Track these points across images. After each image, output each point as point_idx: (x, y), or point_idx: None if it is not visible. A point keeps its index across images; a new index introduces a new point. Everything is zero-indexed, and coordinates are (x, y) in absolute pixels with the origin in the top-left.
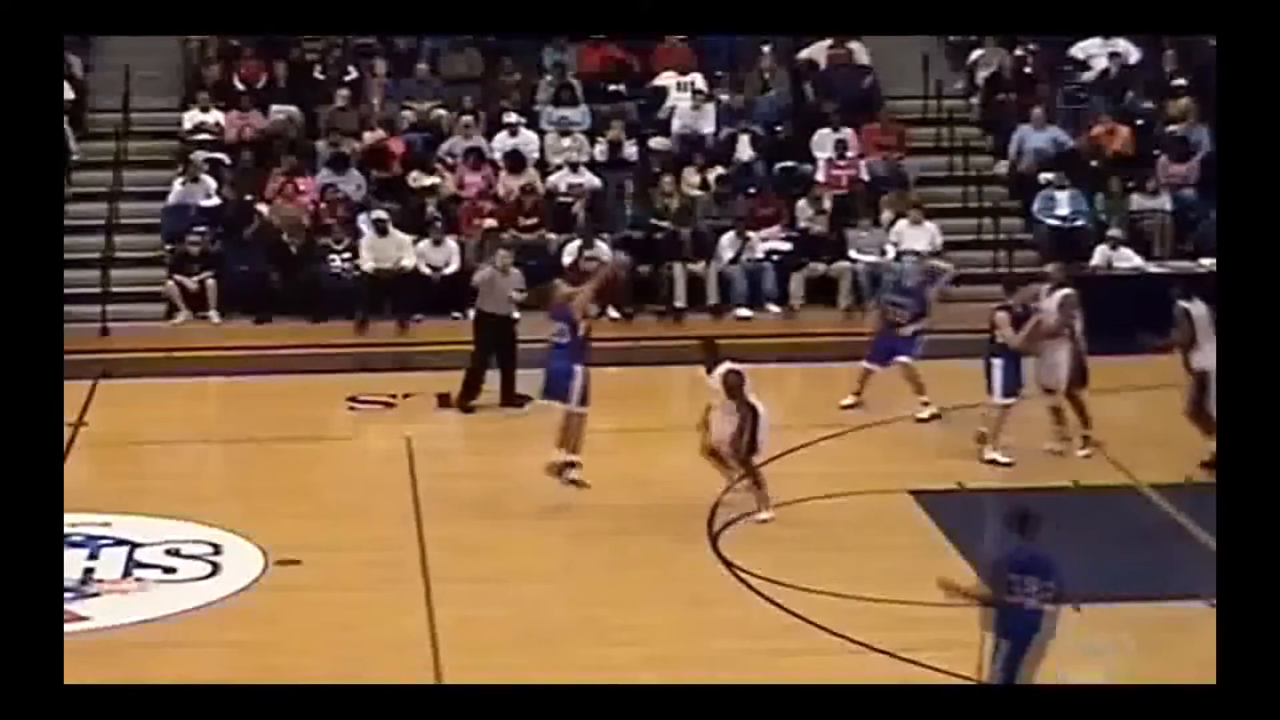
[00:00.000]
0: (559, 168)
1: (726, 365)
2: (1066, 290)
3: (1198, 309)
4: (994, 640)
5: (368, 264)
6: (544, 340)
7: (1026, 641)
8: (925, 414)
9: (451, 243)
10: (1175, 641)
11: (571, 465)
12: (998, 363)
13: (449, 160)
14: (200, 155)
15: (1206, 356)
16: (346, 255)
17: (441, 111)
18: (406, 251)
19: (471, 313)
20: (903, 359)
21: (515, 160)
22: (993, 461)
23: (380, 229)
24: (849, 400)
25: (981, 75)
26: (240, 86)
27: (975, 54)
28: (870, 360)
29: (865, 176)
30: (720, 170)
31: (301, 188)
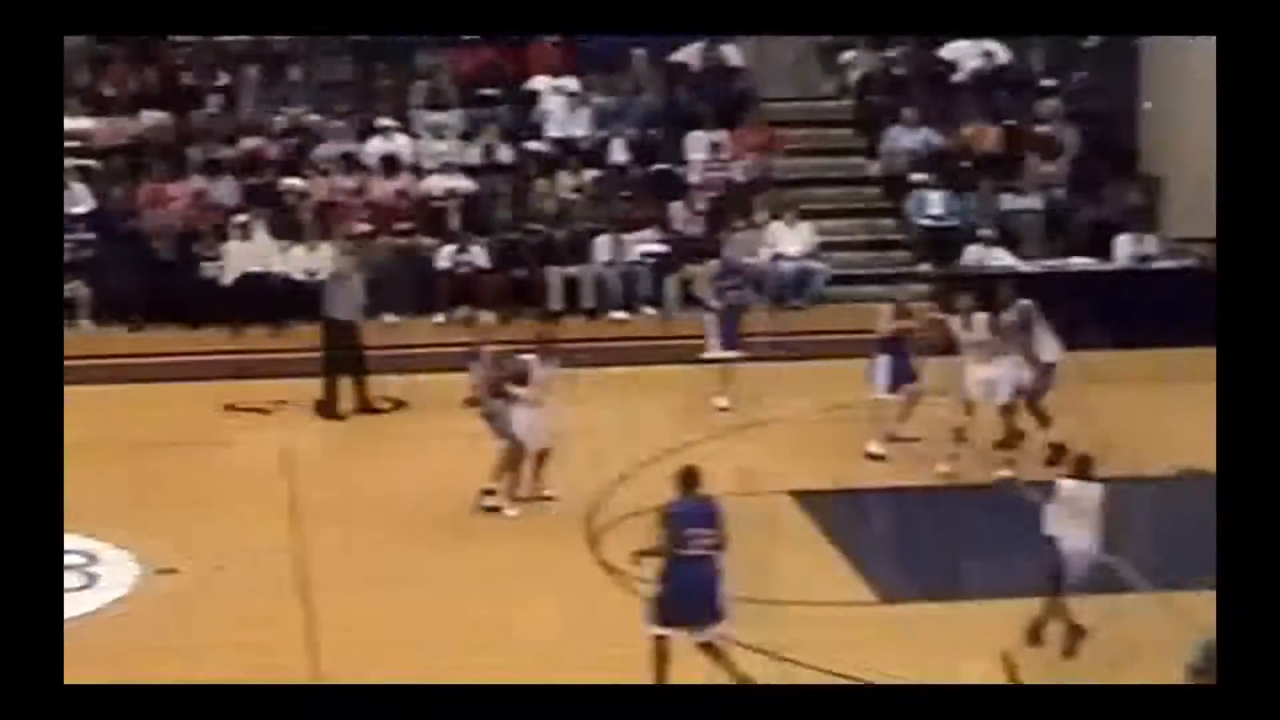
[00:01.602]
0: (433, 172)
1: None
2: (1022, 302)
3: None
4: (661, 588)
5: (241, 270)
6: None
7: (707, 584)
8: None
9: (325, 248)
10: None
11: (491, 493)
12: (882, 358)
13: (322, 165)
14: (71, 162)
15: (1052, 350)
16: (220, 262)
17: (315, 116)
18: (280, 257)
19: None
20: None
21: (390, 164)
22: (870, 455)
23: (252, 235)
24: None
25: (853, 76)
26: (110, 92)
27: (847, 55)
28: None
29: (739, 178)
30: (595, 173)
31: (174, 194)
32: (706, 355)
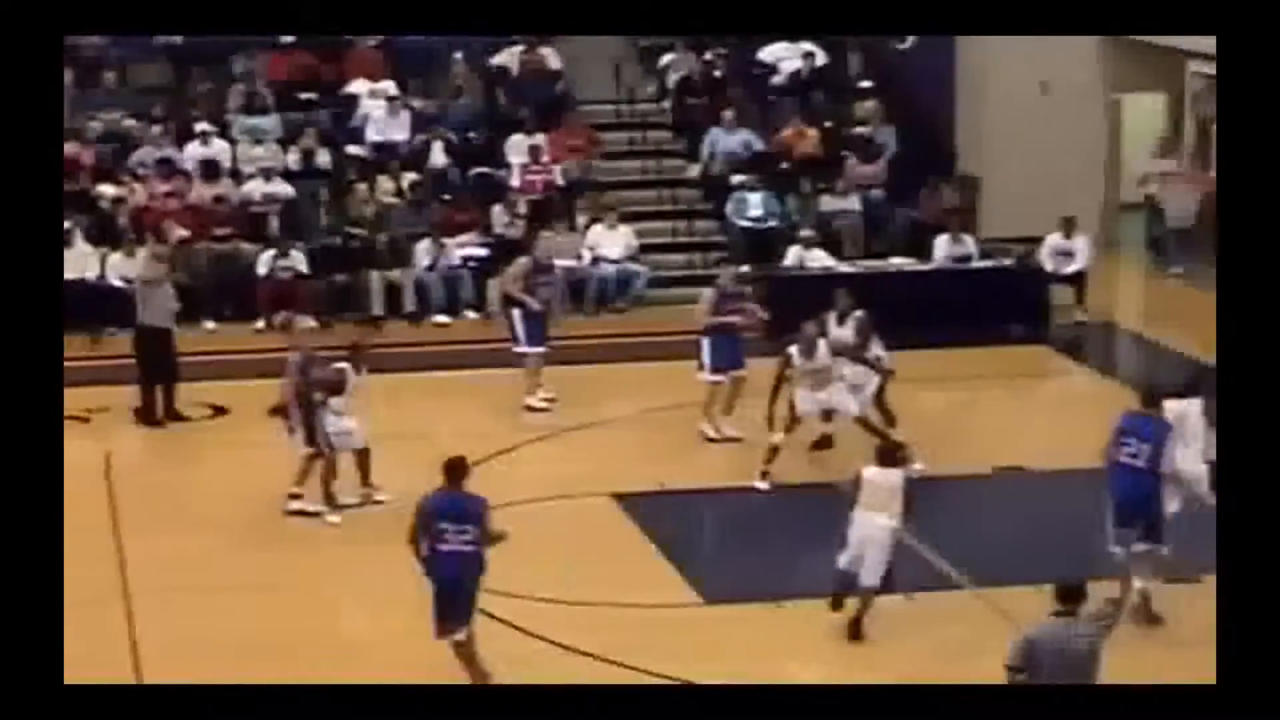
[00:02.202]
0: (252, 177)
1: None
2: (858, 313)
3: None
4: (434, 586)
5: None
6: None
7: (454, 582)
8: (538, 403)
9: (142, 254)
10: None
11: (297, 497)
12: (705, 342)
13: (139, 171)
14: None
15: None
16: None
17: (131, 122)
18: (98, 264)
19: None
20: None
21: (211, 169)
22: (706, 436)
23: (71, 242)
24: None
25: (672, 79)
26: None
27: (666, 58)
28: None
29: (559, 181)
30: (414, 177)
31: None
32: (519, 351)
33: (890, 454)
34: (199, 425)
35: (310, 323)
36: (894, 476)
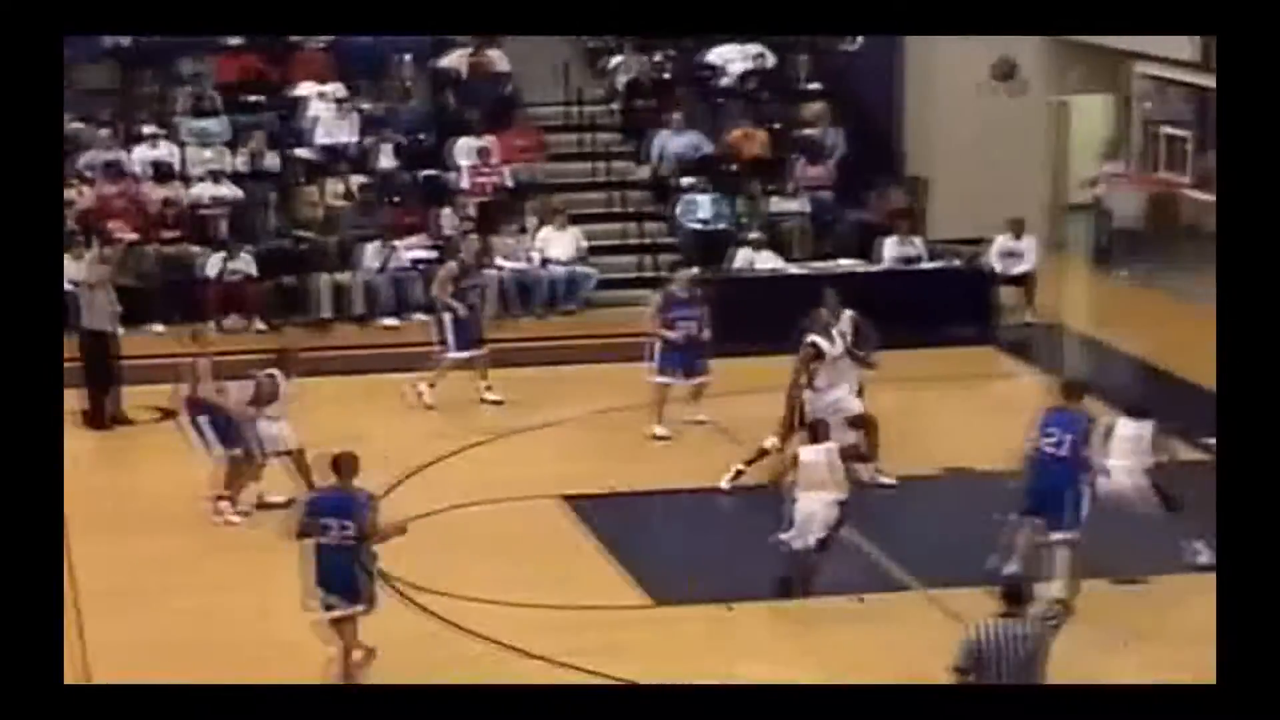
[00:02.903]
0: (200, 179)
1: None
2: (848, 312)
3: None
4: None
5: None
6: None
7: (340, 572)
8: (492, 397)
9: (88, 256)
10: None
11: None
12: (655, 344)
13: (87, 174)
14: None
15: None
16: None
17: (78, 124)
18: None
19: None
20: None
21: (162, 171)
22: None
23: None
24: None
25: (621, 81)
26: None
27: (614, 60)
28: None
29: (508, 183)
30: (362, 179)
31: None
32: (449, 356)
33: (819, 430)
34: (146, 428)
35: (260, 326)
36: (828, 453)
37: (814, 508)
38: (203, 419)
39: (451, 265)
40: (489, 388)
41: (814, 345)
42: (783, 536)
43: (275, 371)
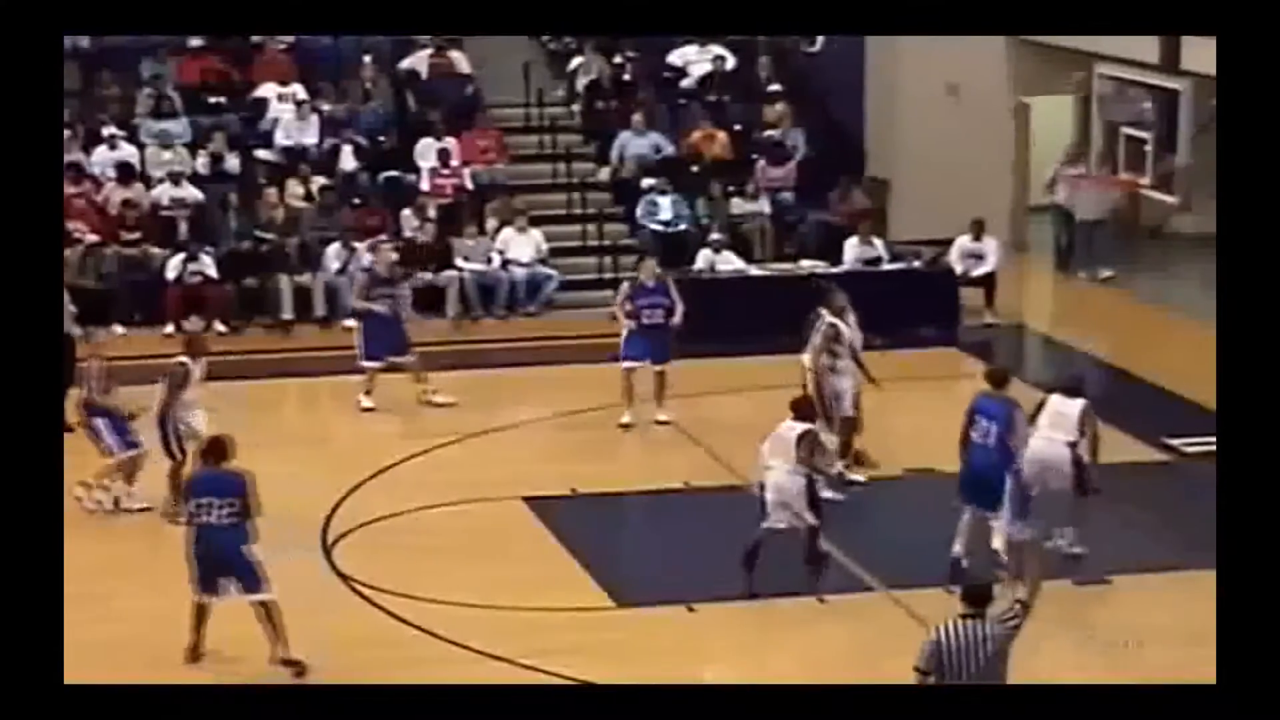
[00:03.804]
0: (161, 181)
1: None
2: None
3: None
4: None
5: None
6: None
7: (227, 552)
8: (439, 399)
9: None
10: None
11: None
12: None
13: None
14: None
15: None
16: None
17: None
18: None
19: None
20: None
21: (125, 172)
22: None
23: None
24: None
25: (582, 82)
26: None
27: (575, 61)
28: None
29: (469, 185)
30: (324, 181)
31: None
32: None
33: (805, 408)
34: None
35: (221, 328)
36: (795, 430)
37: (777, 478)
38: (99, 421)
39: (362, 275)
40: (434, 391)
41: (833, 326)
42: (764, 525)
43: (185, 359)
